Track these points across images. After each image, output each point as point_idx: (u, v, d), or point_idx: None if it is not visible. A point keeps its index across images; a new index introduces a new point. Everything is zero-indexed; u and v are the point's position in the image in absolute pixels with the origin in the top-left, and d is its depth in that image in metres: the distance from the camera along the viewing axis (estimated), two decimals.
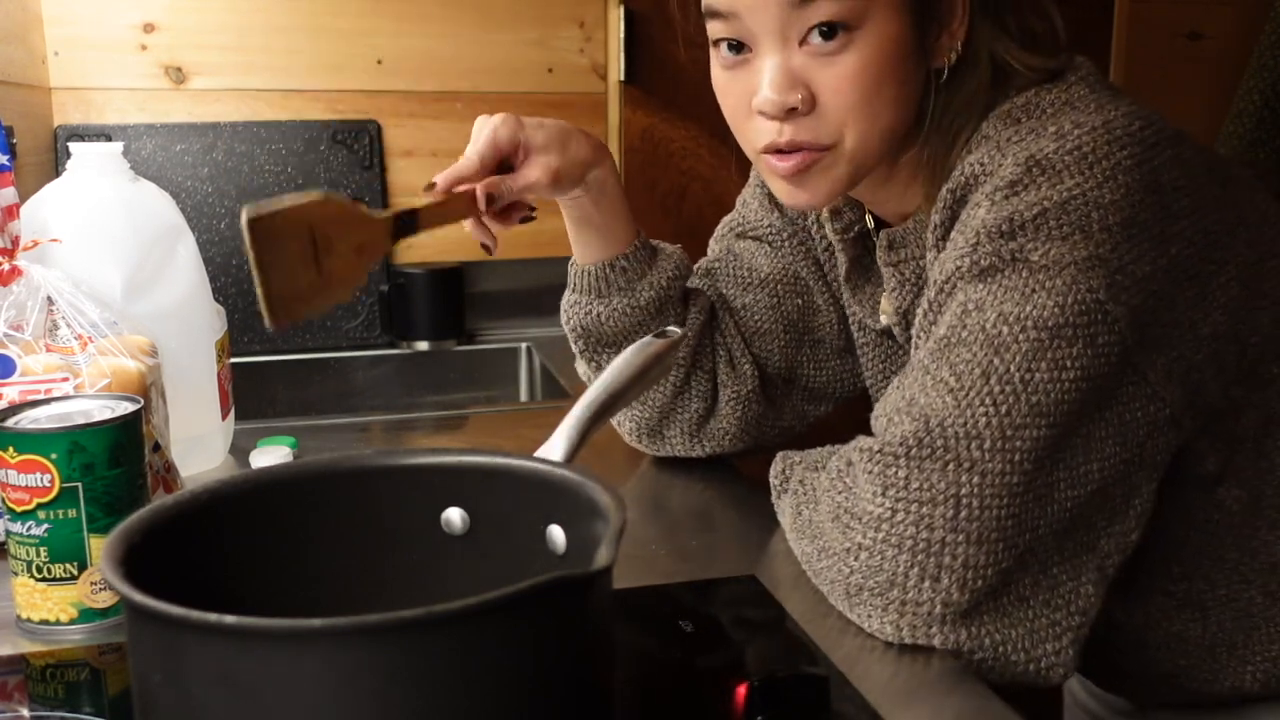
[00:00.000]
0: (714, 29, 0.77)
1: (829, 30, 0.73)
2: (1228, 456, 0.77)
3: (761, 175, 0.83)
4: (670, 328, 0.84)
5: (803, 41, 0.74)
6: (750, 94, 0.76)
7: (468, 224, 0.87)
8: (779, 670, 0.63)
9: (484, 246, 0.89)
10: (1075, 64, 0.77)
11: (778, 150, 0.77)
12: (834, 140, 0.76)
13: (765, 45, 0.75)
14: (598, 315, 0.95)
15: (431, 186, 0.82)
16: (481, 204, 0.83)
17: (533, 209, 0.91)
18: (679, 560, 0.83)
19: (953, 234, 0.74)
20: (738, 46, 0.76)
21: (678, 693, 0.65)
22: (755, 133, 0.78)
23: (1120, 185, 0.68)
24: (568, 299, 0.97)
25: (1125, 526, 0.71)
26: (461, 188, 0.83)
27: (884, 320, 0.90)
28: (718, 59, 0.79)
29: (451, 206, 0.82)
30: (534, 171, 0.86)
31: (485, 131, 0.86)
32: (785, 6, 0.72)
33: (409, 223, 0.78)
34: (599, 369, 0.97)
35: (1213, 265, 0.72)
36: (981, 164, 0.73)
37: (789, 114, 0.75)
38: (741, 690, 0.62)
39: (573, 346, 0.98)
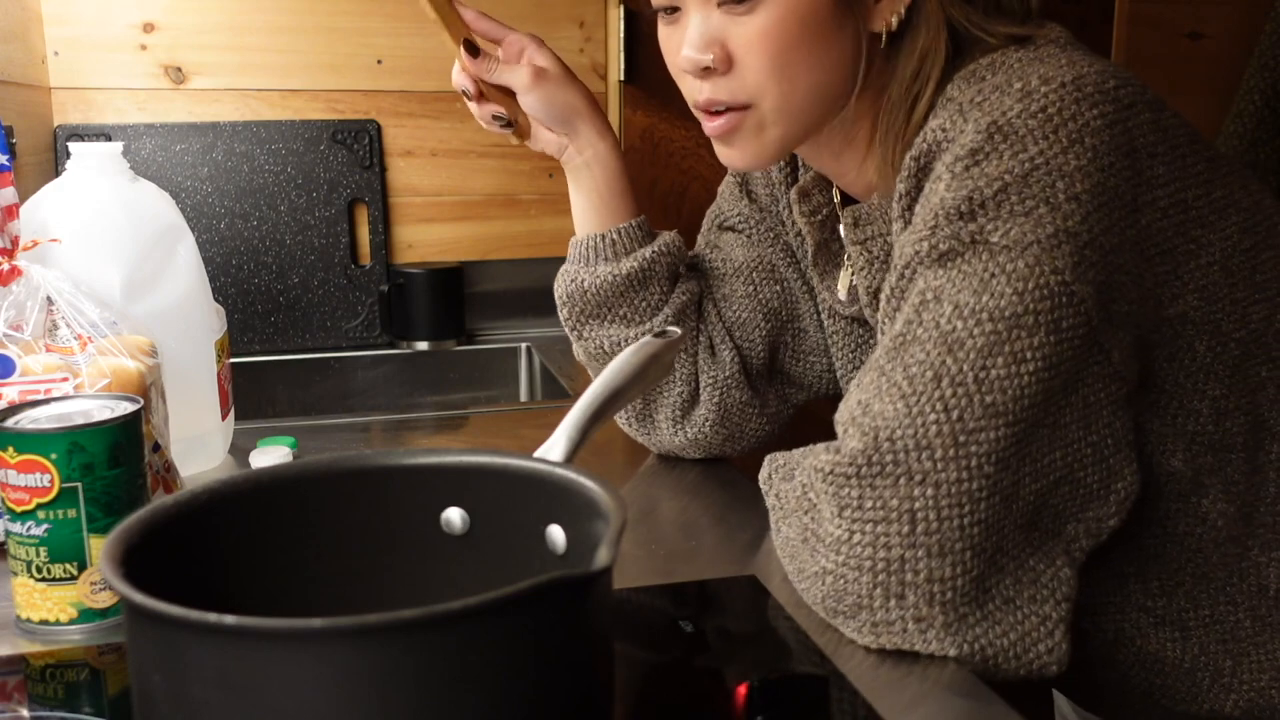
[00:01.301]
0: None
1: None
2: (1213, 464, 0.74)
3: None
4: (670, 328, 0.84)
5: (721, 2, 0.75)
6: (679, 52, 0.78)
7: (456, 70, 0.93)
8: (779, 670, 0.63)
9: (464, 93, 0.93)
10: (1048, 29, 0.74)
11: (705, 111, 0.79)
12: (751, 99, 0.77)
13: (689, 5, 0.77)
14: (582, 282, 0.96)
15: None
16: (461, 45, 0.91)
17: (513, 120, 0.95)
18: (678, 560, 0.83)
19: (915, 210, 0.72)
20: (671, 8, 0.79)
21: (677, 693, 0.65)
22: (687, 90, 0.81)
23: (1088, 149, 0.66)
24: (560, 271, 0.99)
25: (1102, 511, 0.69)
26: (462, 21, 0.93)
27: (843, 295, 0.89)
28: (660, 18, 0.82)
29: (442, 5, 0.91)
30: (521, 67, 0.92)
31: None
32: None
33: None
34: (580, 339, 0.99)
35: (1190, 244, 0.69)
36: (944, 129, 0.70)
37: (706, 73, 0.77)
38: (741, 690, 0.62)
39: (560, 315, 1.00)
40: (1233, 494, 0.75)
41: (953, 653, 0.65)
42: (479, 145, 1.75)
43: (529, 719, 0.45)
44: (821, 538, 0.68)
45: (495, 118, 0.93)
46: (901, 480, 0.64)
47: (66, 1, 1.57)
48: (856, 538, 0.65)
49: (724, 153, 0.82)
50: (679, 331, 0.83)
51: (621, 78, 1.78)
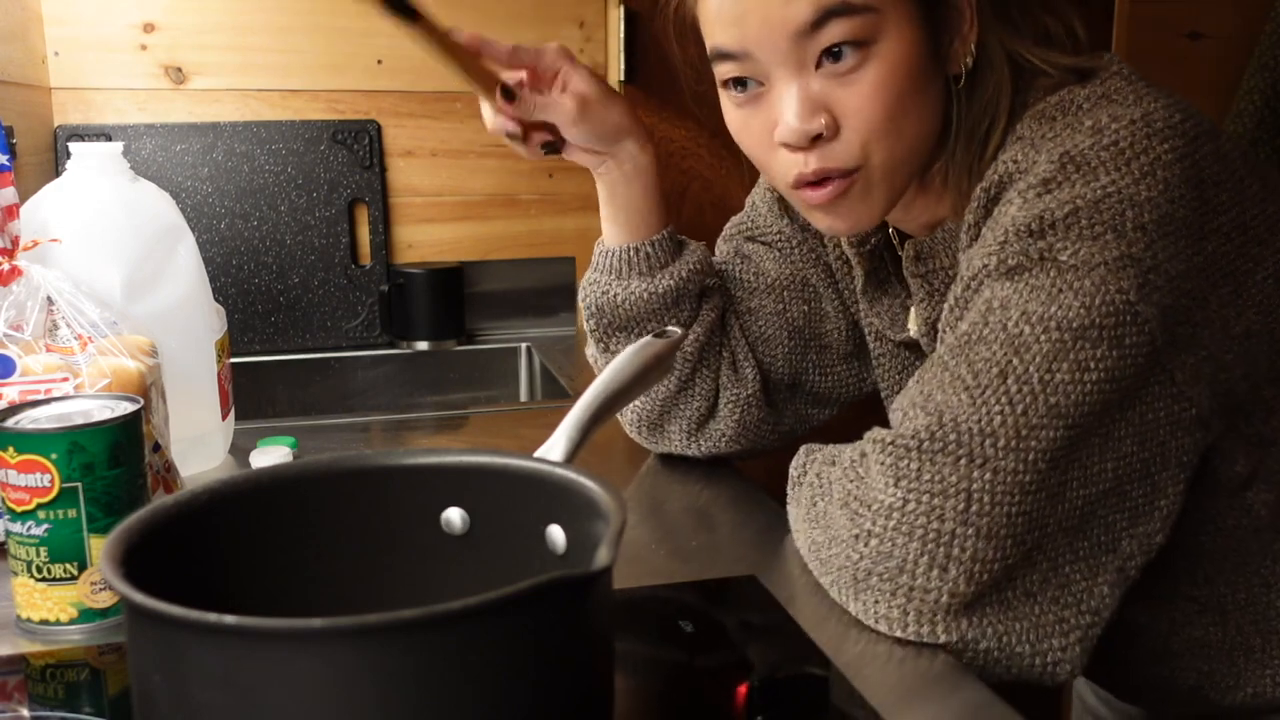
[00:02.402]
0: (723, 70, 0.77)
1: (840, 50, 0.72)
2: (1259, 459, 0.75)
3: (798, 209, 0.82)
4: (670, 328, 0.84)
5: (818, 65, 0.73)
6: (770, 128, 0.75)
7: (489, 113, 0.87)
8: (779, 670, 0.63)
9: (508, 135, 0.87)
10: (1107, 60, 0.75)
11: (808, 183, 0.76)
12: (859, 162, 0.74)
13: (779, 76, 0.74)
14: (614, 296, 0.95)
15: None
16: (496, 92, 0.83)
17: (559, 142, 0.90)
18: (679, 560, 0.83)
19: (984, 231, 0.73)
20: (747, 82, 0.76)
21: (678, 693, 0.65)
22: (782, 167, 0.77)
23: (1159, 181, 0.67)
24: (588, 278, 0.98)
25: (1149, 528, 0.70)
26: (484, 59, 0.84)
27: (912, 332, 0.89)
28: (730, 98, 0.78)
29: (459, 53, 0.82)
30: (565, 98, 0.86)
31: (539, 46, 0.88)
32: (796, 35, 0.72)
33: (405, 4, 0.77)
34: (607, 351, 0.98)
35: (1250, 263, 0.71)
36: (1015, 161, 0.71)
37: (814, 142, 0.74)
38: (742, 690, 0.62)
39: (586, 325, 0.99)
40: (1273, 483, 0.77)
41: (966, 628, 0.66)
42: (479, 145, 1.75)
43: (529, 719, 0.45)
44: (868, 503, 0.69)
45: (545, 149, 0.90)
46: (963, 460, 0.66)
47: (66, 1, 1.57)
48: (911, 506, 0.66)
49: (829, 221, 0.79)
50: (680, 331, 0.83)
51: (621, 78, 1.78)
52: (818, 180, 0.75)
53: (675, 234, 0.96)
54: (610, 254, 0.95)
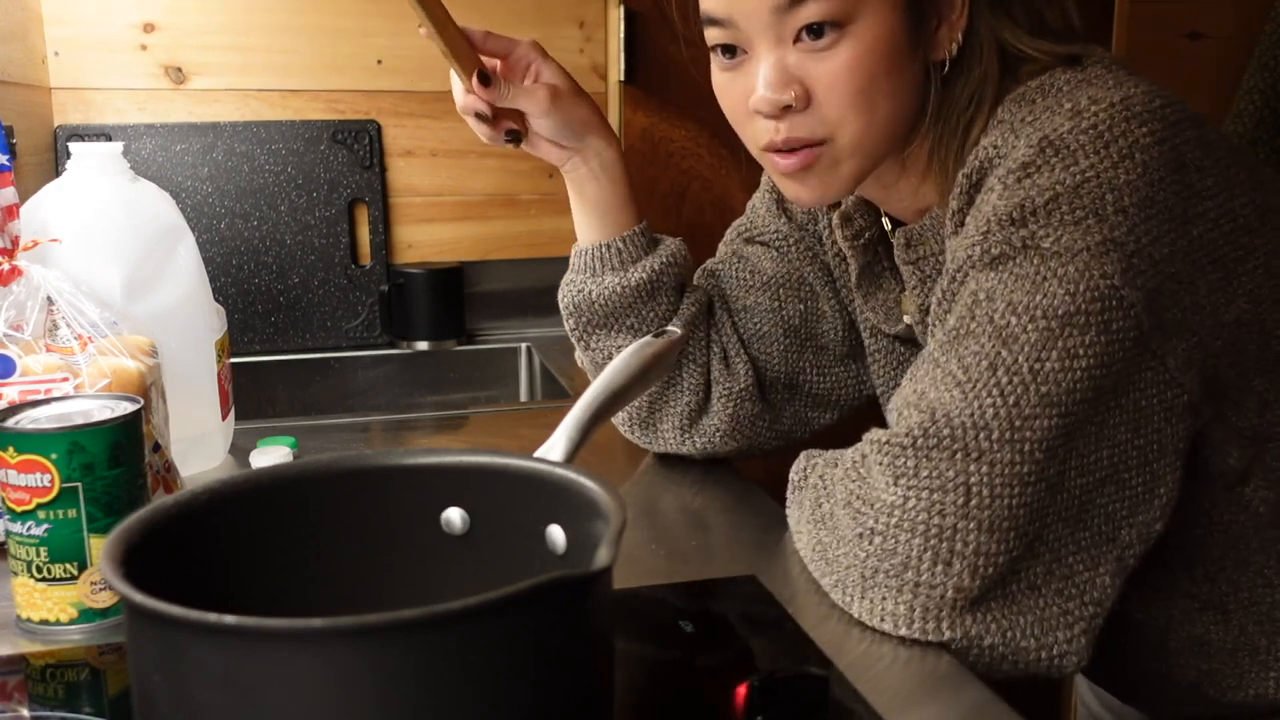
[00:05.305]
0: (711, 35, 0.79)
1: (819, 28, 0.74)
2: (1255, 454, 0.76)
3: (768, 173, 0.83)
4: (670, 328, 0.84)
5: (796, 39, 0.75)
6: (748, 94, 0.77)
7: (459, 92, 0.90)
8: (779, 670, 0.63)
9: (478, 115, 0.90)
10: (1091, 50, 0.76)
11: (777, 149, 0.78)
12: (830, 134, 0.76)
13: (759, 46, 0.76)
14: (589, 293, 0.95)
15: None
16: (474, 75, 0.87)
17: (523, 132, 0.93)
18: (678, 560, 0.83)
19: (967, 220, 0.73)
20: (734, 50, 0.78)
21: (677, 693, 0.65)
22: (755, 132, 0.79)
23: (1138, 164, 0.68)
24: (565, 279, 0.99)
25: (1149, 516, 0.70)
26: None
27: (906, 320, 0.89)
28: (716, 62, 0.81)
29: (449, 30, 0.87)
30: (537, 89, 0.89)
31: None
32: (775, 10, 0.74)
33: None
34: (588, 349, 0.98)
35: (1240, 251, 0.71)
36: (995, 146, 0.72)
37: (784, 111, 0.76)
38: (741, 690, 0.62)
39: (565, 325, 0.99)
40: (1272, 480, 0.77)
41: (971, 624, 0.66)
42: (479, 145, 1.74)
43: (529, 719, 0.45)
44: (870, 502, 0.69)
45: (508, 137, 0.91)
46: (958, 455, 0.66)
47: (66, 1, 1.57)
48: (911, 503, 0.67)
49: (794, 189, 0.80)
50: (679, 331, 0.83)
51: (621, 78, 1.78)
52: (788, 149, 0.77)
53: (650, 230, 0.97)
54: (584, 253, 0.96)
